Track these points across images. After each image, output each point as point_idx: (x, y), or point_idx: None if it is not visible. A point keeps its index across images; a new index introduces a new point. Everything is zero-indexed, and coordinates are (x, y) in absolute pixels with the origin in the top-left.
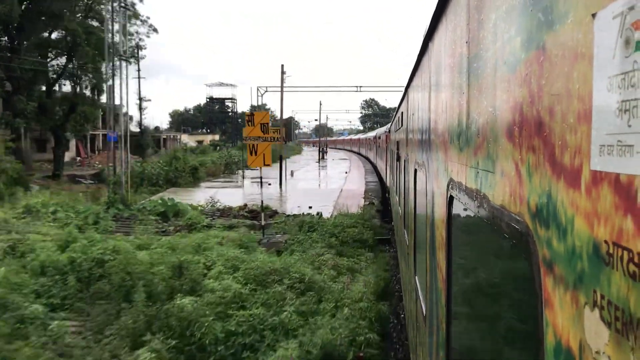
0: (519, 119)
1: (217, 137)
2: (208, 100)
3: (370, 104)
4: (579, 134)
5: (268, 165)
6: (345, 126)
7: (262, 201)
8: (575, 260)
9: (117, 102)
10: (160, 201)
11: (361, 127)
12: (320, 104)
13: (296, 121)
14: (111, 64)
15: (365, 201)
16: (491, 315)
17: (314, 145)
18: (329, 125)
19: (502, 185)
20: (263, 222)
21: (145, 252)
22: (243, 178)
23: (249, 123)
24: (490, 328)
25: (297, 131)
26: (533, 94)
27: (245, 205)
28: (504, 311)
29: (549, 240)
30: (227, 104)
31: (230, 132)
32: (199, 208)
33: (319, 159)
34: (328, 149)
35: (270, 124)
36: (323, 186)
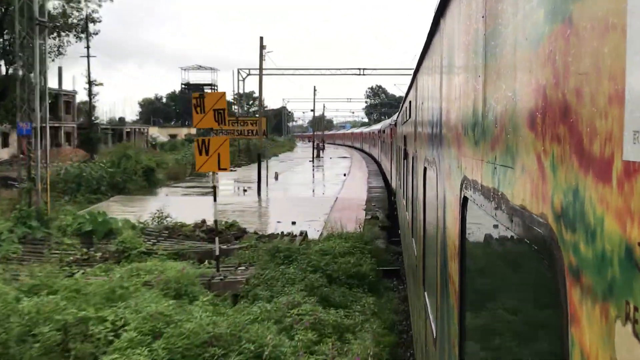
0: (541, 104)
1: (194, 130)
2: (184, 87)
3: (376, 91)
4: (609, 119)
5: (224, 169)
6: (348, 118)
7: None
8: (605, 267)
9: (58, 86)
10: (87, 217)
11: (366, 120)
12: (315, 90)
13: (289, 112)
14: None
15: (366, 214)
16: (510, 335)
17: (309, 141)
18: (327, 117)
19: (523, 182)
20: (217, 251)
21: (36, 300)
22: (215, 182)
23: (198, 109)
24: (508, 350)
25: (290, 124)
26: (558, 74)
27: (203, 222)
28: (525, 329)
29: (575, 244)
30: (206, 90)
31: None
32: (140, 226)
33: (314, 158)
34: (325, 145)
35: (227, 110)
36: (314, 193)
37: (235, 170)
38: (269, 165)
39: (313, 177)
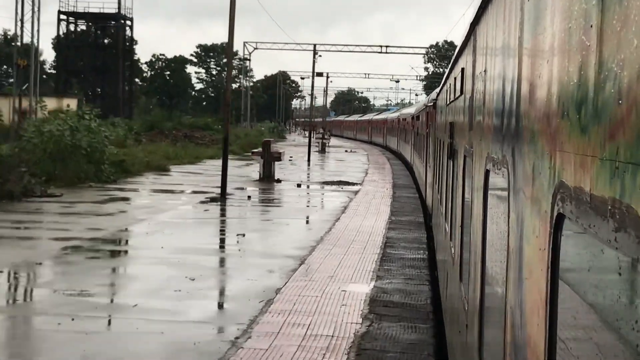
0: None
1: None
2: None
3: (443, 52)
4: None
5: None
6: (397, 96)
7: None
8: None
9: None
10: None
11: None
12: (316, 51)
13: (293, 84)
14: None
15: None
16: None
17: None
18: (363, 95)
19: None
20: None
21: None
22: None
23: None
24: None
25: (298, 103)
26: None
27: None
28: None
29: None
30: (108, 29)
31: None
32: None
33: (310, 157)
34: (330, 137)
35: None
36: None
37: None
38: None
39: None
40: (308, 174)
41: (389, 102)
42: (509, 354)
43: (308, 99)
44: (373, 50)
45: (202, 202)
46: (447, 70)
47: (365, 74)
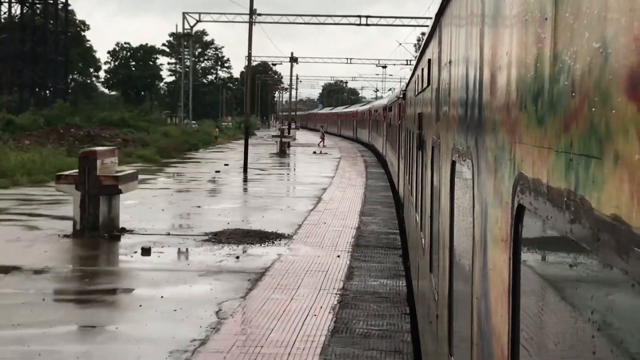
0: None
1: None
2: None
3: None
4: None
5: None
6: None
7: None
8: None
9: None
10: None
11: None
12: (253, 16)
13: (276, 75)
14: None
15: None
16: None
17: (295, 124)
18: (350, 86)
19: (618, 179)
20: None
21: None
22: None
23: None
24: None
25: (282, 98)
26: None
27: None
28: None
29: None
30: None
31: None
32: None
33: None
34: (296, 132)
35: None
36: None
37: None
38: None
39: None
40: (212, 208)
41: (377, 92)
42: (476, 344)
43: (292, 90)
44: (350, 21)
45: None
46: (414, 62)
47: (347, 58)
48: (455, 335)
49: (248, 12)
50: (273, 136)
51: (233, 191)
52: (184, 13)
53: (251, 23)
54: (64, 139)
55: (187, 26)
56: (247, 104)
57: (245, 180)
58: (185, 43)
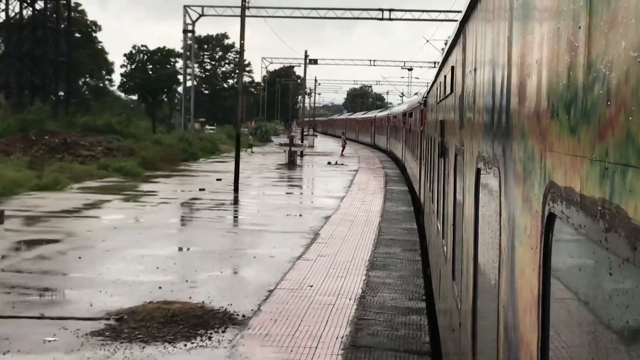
0: None
1: None
2: None
3: None
4: None
5: None
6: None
7: None
8: None
9: None
10: None
11: None
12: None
13: (299, 86)
14: None
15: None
16: None
17: (313, 129)
18: (377, 92)
19: None
20: None
21: None
22: None
23: None
24: None
25: (305, 102)
26: None
27: None
28: None
29: None
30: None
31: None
32: None
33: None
34: (315, 138)
35: None
36: None
37: None
38: None
39: None
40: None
41: (402, 97)
42: (502, 354)
43: (315, 95)
44: (371, 15)
45: None
46: (437, 69)
47: (371, 60)
48: (479, 343)
49: (254, 5)
50: (281, 144)
51: (203, 223)
52: (185, 6)
53: (244, 15)
54: (33, 148)
55: (188, 21)
56: (238, 108)
57: (233, 202)
58: (189, 40)
